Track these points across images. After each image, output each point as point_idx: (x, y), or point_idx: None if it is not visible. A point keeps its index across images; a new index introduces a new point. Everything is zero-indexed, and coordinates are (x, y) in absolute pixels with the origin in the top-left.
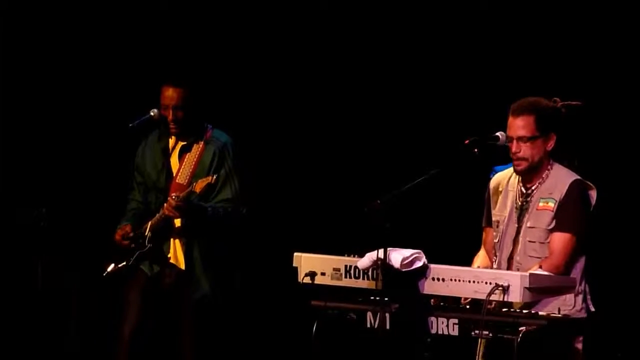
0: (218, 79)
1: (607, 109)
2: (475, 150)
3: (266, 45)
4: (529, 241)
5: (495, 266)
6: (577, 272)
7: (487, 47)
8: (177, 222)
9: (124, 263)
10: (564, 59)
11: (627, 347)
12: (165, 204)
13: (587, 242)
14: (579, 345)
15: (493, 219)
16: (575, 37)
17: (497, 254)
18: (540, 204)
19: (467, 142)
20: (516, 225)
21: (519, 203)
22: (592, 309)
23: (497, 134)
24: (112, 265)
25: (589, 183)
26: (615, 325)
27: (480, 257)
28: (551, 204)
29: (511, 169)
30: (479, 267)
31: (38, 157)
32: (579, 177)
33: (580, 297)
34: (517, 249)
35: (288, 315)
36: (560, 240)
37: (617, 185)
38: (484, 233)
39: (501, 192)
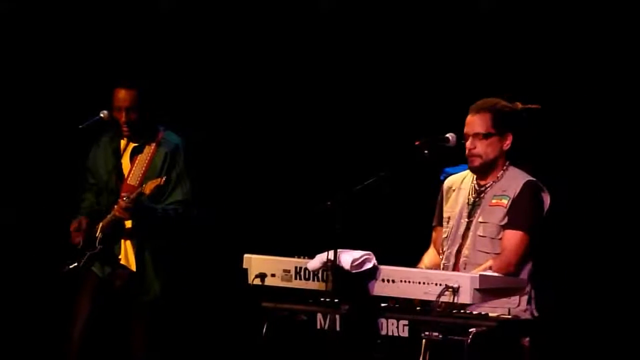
0: (169, 80)
1: (566, 115)
2: (426, 151)
3: (215, 45)
4: (480, 236)
5: (442, 259)
6: (524, 274)
7: (439, 51)
8: (128, 224)
9: (75, 264)
10: (523, 64)
11: (572, 349)
12: (115, 205)
13: (537, 246)
14: (526, 343)
15: (444, 215)
16: (533, 41)
17: (445, 248)
18: (494, 201)
19: (417, 143)
20: (466, 220)
21: (471, 199)
22: (536, 314)
23: (447, 135)
24: (65, 266)
25: (542, 185)
26: (560, 327)
27: (429, 255)
28: (504, 201)
29: (466, 171)
30: (426, 265)
31: None
32: (533, 179)
33: (525, 299)
34: (466, 243)
35: (238, 316)
36: (513, 237)
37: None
38: (434, 232)
39: (454, 190)
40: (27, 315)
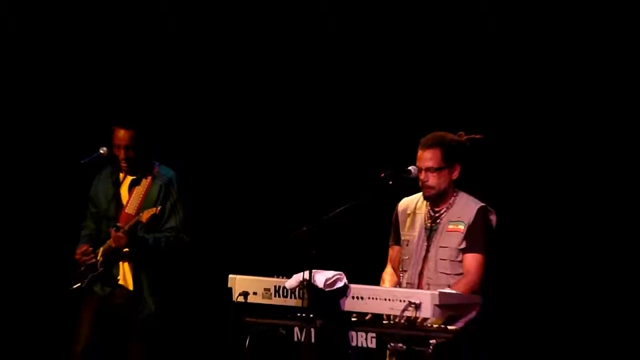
0: (161, 119)
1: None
2: (390, 182)
3: (195, 81)
4: (441, 259)
5: (405, 281)
6: (481, 287)
7: (398, 89)
8: (125, 249)
9: (79, 284)
10: (468, 96)
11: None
12: (112, 234)
13: (489, 257)
14: (484, 353)
15: (402, 238)
16: (475, 77)
17: (407, 269)
18: (450, 226)
19: (382, 175)
20: (426, 244)
21: (428, 225)
22: (493, 320)
23: (410, 168)
24: (71, 286)
25: (490, 208)
26: (513, 331)
27: (389, 274)
28: (461, 227)
29: (417, 195)
30: (388, 283)
31: None
32: (483, 204)
33: (483, 310)
34: (427, 265)
35: (224, 330)
36: (474, 260)
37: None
38: (390, 250)
39: (409, 214)
40: (36, 329)
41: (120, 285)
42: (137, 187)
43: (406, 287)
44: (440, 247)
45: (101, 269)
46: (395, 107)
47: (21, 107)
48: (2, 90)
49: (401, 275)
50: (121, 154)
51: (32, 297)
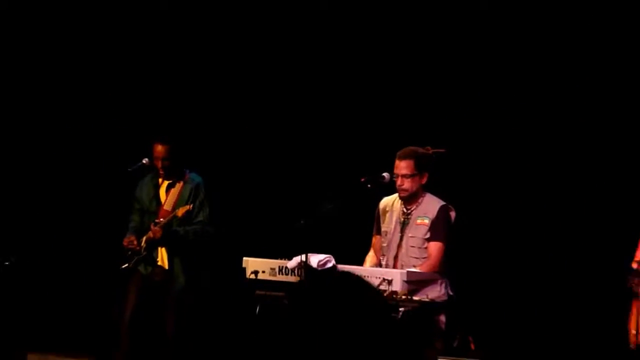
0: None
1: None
2: (369, 185)
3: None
4: (411, 246)
5: (383, 263)
6: (441, 268)
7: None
8: (160, 235)
9: (127, 265)
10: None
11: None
12: (157, 224)
13: (451, 248)
14: (442, 319)
15: (382, 229)
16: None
17: (385, 254)
18: (418, 221)
19: (363, 180)
20: (400, 235)
21: (402, 219)
22: (451, 293)
23: (384, 174)
24: (122, 266)
25: (450, 206)
26: (466, 306)
27: (370, 256)
28: (426, 221)
29: (394, 195)
30: (369, 264)
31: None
32: (444, 203)
33: (442, 286)
34: (401, 251)
35: (239, 301)
36: (435, 247)
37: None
38: (373, 239)
39: (388, 211)
40: (94, 301)
41: (159, 266)
42: (172, 189)
43: (385, 268)
44: (411, 236)
45: (144, 253)
46: (375, 125)
47: (85, 127)
48: (64, 114)
49: (381, 258)
50: (159, 164)
51: (91, 275)
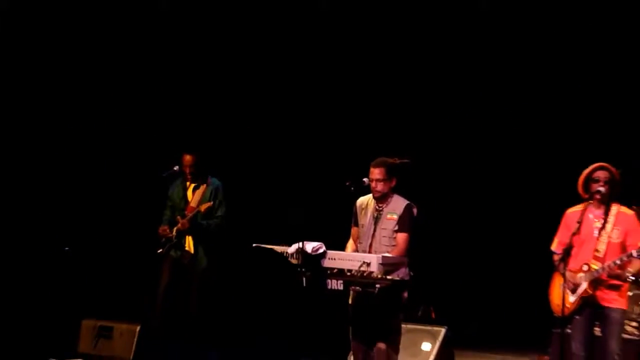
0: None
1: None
2: (352, 188)
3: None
4: (382, 236)
5: (360, 249)
6: (406, 255)
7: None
8: (189, 228)
9: (161, 250)
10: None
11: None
12: (185, 217)
13: (414, 238)
14: (405, 295)
15: (360, 222)
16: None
17: (362, 242)
18: (388, 216)
19: (347, 183)
20: (373, 227)
21: (375, 215)
22: (411, 273)
23: (364, 179)
24: (158, 250)
25: (413, 204)
26: (429, 283)
27: (350, 244)
28: (395, 216)
29: (369, 195)
30: (350, 250)
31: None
32: (409, 202)
33: (406, 269)
34: (374, 240)
35: (249, 277)
36: (402, 237)
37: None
38: (352, 230)
39: (364, 208)
40: (136, 278)
41: (187, 250)
42: (197, 190)
43: (362, 253)
44: (382, 229)
45: (175, 240)
46: (356, 141)
47: (131, 143)
48: (116, 134)
49: (358, 245)
50: (187, 170)
51: (135, 258)
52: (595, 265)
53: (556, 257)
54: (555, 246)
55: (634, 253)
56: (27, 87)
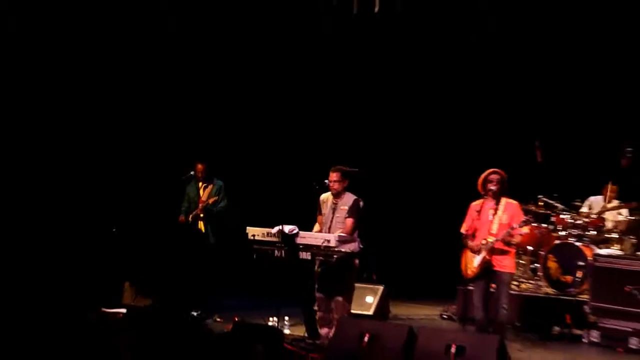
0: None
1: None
2: (317, 187)
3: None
4: (337, 222)
5: (324, 230)
6: (356, 234)
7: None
8: (201, 214)
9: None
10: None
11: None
12: (197, 208)
13: (359, 222)
14: (357, 262)
15: (322, 212)
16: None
17: (324, 226)
18: (342, 207)
19: (314, 184)
20: (332, 215)
21: (333, 206)
22: (362, 246)
23: (325, 181)
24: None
25: (360, 198)
26: (369, 255)
27: (316, 227)
28: (346, 208)
29: (328, 192)
30: (316, 231)
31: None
32: (356, 197)
33: (357, 244)
34: (332, 224)
35: (248, 251)
36: (350, 221)
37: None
38: (318, 217)
39: (325, 202)
40: (162, 252)
41: (199, 230)
42: (206, 189)
43: (324, 233)
44: (337, 216)
45: (191, 223)
46: (321, 152)
47: (163, 153)
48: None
49: (322, 228)
50: (199, 175)
51: (161, 236)
52: (491, 239)
53: (464, 236)
54: (464, 228)
55: (515, 225)
56: (90, 97)
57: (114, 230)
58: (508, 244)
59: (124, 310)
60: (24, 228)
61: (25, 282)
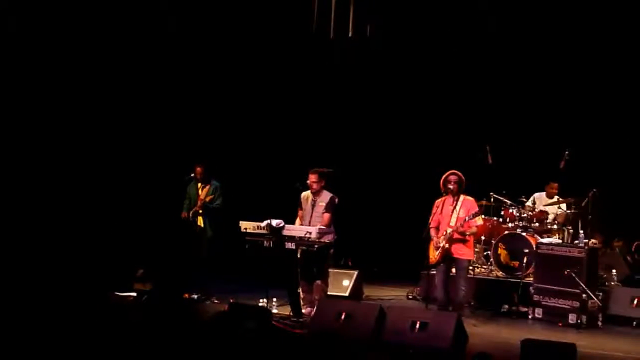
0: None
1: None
2: (300, 187)
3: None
4: (316, 216)
5: (304, 224)
6: (332, 226)
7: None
8: (200, 210)
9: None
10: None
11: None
12: (196, 205)
13: (335, 217)
14: (332, 250)
15: (303, 207)
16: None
17: (304, 220)
18: (320, 204)
19: (297, 184)
20: (311, 210)
21: (312, 203)
22: (336, 237)
23: (307, 181)
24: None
25: (335, 196)
26: (345, 245)
27: (298, 221)
28: (323, 204)
29: (309, 191)
30: (298, 224)
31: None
32: (332, 195)
33: (333, 235)
34: (312, 218)
35: (241, 242)
36: (327, 216)
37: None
38: (299, 212)
39: (306, 199)
40: (165, 243)
41: (199, 225)
42: (205, 188)
43: (305, 226)
44: (316, 211)
45: (191, 219)
46: (301, 157)
47: (171, 160)
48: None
49: (303, 222)
50: (198, 176)
51: (164, 230)
52: (449, 230)
53: (429, 229)
54: (430, 222)
55: (466, 218)
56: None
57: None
58: (463, 234)
59: (134, 294)
60: (45, 225)
61: (47, 273)
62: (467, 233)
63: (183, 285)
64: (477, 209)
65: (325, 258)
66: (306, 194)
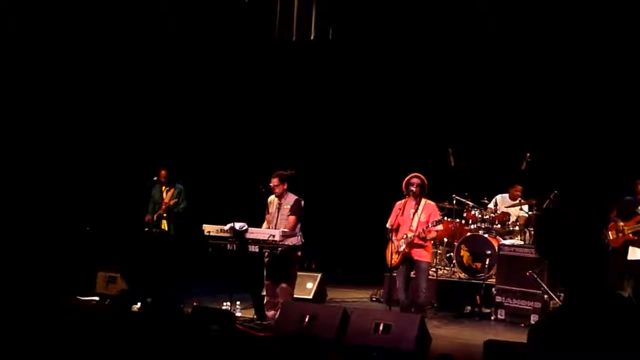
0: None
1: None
2: (264, 190)
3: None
4: (282, 219)
5: (270, 227)
6: (298, 228)
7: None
8: (164, 214)
9: (147, 229)
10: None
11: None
12: (160, 209)
13: (300, 219)
14: (299, 254)
15: (270, 211)
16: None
17: (271, 223)
18: (285, 207)
19: (261, 187)
20: (277, 213)
21: (278, 206)
22: (303, 240)
23: (270, 184)
24: (145, 229)
25: (300, 198)
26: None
27: (265, 224)
28: (288, 207)
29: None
30: (265, 227)
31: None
32: (297, 197)
33: (299, 238)
34: (278, 221)
35: (200, 246)
36: (292, 219)
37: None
38: (266, 216)
39: (271, 202)
40: (128, 247)
41: (162, 228)
42: (169, 192)
43: (271, 229)
44: (281, 214)
45: (155, 222)
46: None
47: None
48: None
49: (270, 225)
50: (162, 179)
51: (128, 234)
52: (410, 234)
53: (389, 230)
54: (389, 224)
55: (429, 224)
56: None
57: (87, 228)
58: (424, 239)
59: (96, 298)
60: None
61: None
62: (428, 238)
63: (182, 294)
64: (439, 216)
65: (290, 261)
66: (273, 198)
